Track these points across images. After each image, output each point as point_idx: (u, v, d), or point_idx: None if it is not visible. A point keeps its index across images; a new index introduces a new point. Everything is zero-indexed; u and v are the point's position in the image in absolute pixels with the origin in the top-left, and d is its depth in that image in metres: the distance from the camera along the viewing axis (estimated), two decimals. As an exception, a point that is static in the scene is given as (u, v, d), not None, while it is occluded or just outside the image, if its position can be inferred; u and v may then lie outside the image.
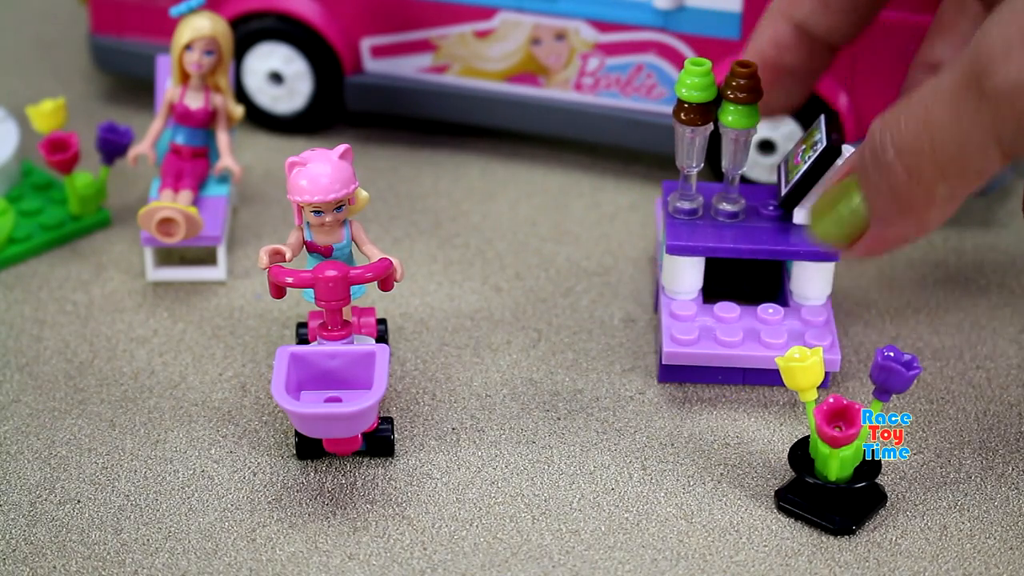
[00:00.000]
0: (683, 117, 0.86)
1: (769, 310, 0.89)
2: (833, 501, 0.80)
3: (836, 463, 0.78)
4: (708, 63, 0.86)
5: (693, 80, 0.86)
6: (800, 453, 0.81)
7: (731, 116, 0.86)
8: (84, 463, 0.84)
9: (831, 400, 0.78)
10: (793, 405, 0.88)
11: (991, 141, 0.71)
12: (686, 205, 0.90)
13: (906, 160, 0.73)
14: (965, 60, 0.71)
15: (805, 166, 0.87)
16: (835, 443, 0.77)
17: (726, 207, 0.89)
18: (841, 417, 0.78)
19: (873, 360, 0.78)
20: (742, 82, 0.85)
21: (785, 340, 0.87)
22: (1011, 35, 0.69)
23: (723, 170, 0.89)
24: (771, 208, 0.90)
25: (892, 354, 0.78)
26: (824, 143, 0.86)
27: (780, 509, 0.81)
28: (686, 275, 0.89)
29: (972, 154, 0.71)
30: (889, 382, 0.78)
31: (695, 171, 0.89)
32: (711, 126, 0.87)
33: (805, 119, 1.00)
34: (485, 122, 1.09)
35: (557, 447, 0.85)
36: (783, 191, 0.89)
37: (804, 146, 0.88)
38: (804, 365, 0.78)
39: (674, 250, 0.88)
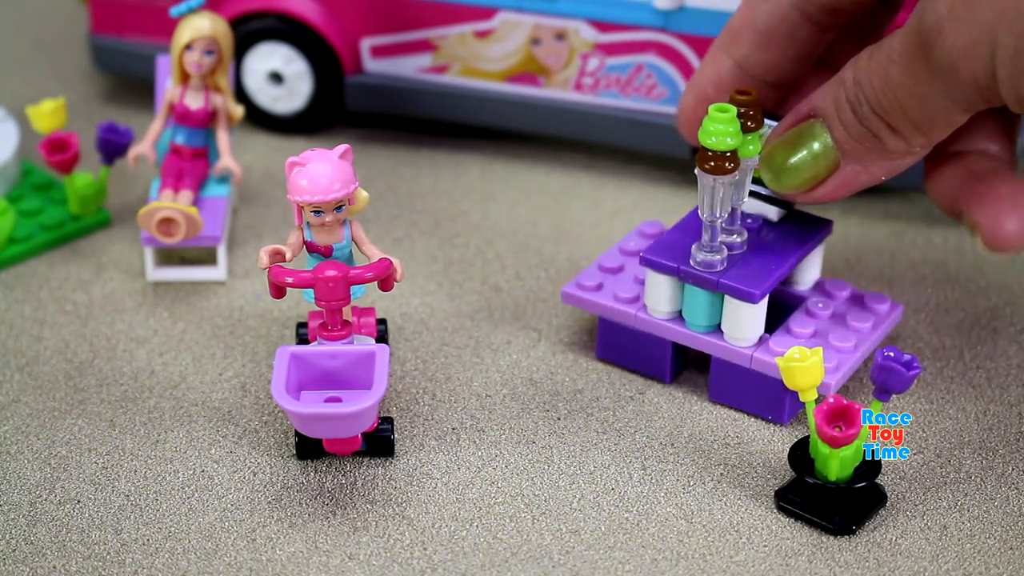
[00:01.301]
0: (708, 166, 0.82)
1: (819, 304, 0.89)
2: (833, 501, 0.80)
3: (836, 463, 0.78)
4: (733, 109, 0.81)
5: (718, 127, 0.80)
6: (800, 453, 0.81)
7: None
8: (84, 463, 0.84)
9: (831, 400, 0.78)
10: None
11: (949, 102, 0.74)
12: (710, 258, 0.85)
13: (885, 117, 0.77)
14: (910, 29, 0.74)
15: None
16: (835, 443, 0.77)
17: (736, 239, 0.86)
18: (841, 417, 0.78)
19: (873, 360, 0.78)
20: (748, 111, 0.82)
21: (860, 319, 0.88)
22: (940, 10, 0.72)
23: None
24: (749, 222, 0.89)
25: (892, 354, 0.78)
26: None
27: (780, 509, 0.81)
28: (756, 318, 0.85)
29: (937, 113, 0.75)
30: (889, 382, 0.78)
31: (720, 221, 0.84)
32: (737, 175, 0.83)
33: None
34: (485, 122, 1.09)
35: (557, 447, 0.85)
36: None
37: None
38: (804, 365, 0.78)
39: (758, 297, 0.84)
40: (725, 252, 0.85)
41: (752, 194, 0.87)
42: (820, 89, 0.81)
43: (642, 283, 0.90)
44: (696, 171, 0.83)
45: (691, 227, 0.88)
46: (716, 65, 0.86)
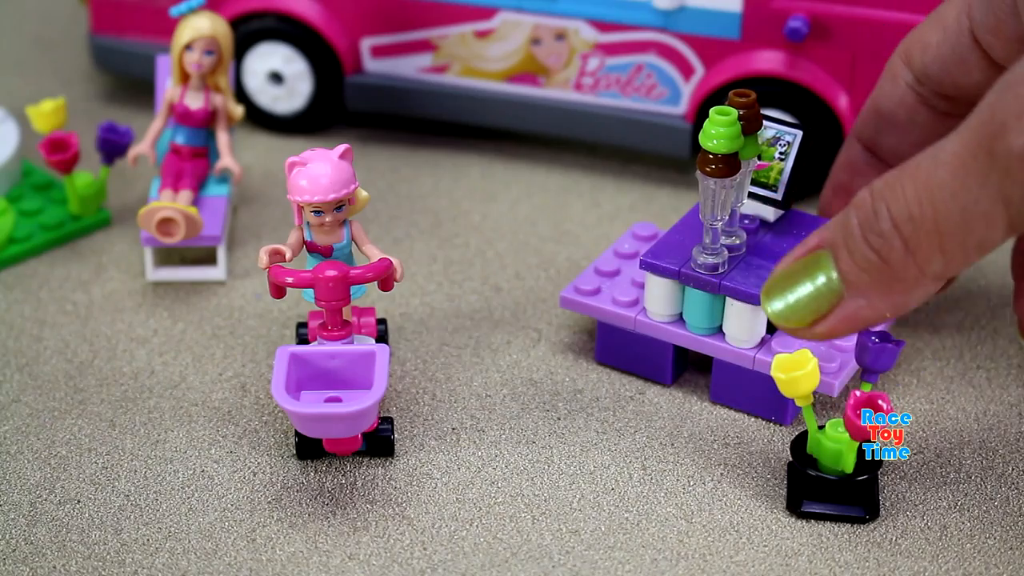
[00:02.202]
0: (709, 169, 0.81)
1: None
2: (845, 493, 0.80)
3: (853, 454, 0.78)
4: (734, 112, 0.81)
5: (719, 130, 0.80)
6: (800, 454, 0.81)
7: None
8: (84, 463, 0.84)
9: (857, 393, 0.77)
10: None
11: (998, 208, 0.68)
12: (711, 260, 0.85)
13: (904, 230, 0.70)
14: (973, 124, 0.68)
15: (789, 159, 0.86)
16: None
17: (735, 241, 0.86)
18: (868, 407, 0.77)
19: (857, 342, 0.80)
20: (748, 113, 0.81)
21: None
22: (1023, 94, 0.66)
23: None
24: (747, 223, 0.88)
25: (877, 339, 0.79)
26: (796, 132, 0.86)
27: (801, 517, 0.80)
28: (759, 319, 0.85)
29: (976, 223, 0.68)
30: (871, 361, 0.79)
31: (721, 223, 0.84)
32: (738, 177, 0.83)
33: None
34: (485, 122, 1.09)
35: (557, 447, 0.85)
36: (779, 193, 0.88)
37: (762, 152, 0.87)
38: (806, 372, 0.77)
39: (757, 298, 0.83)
40: (726, 254, 0.85)
41: (749, 195, 0.87)
42: (830, 220, 0.75)
43: (640, 286, 0.90)
44: (697, 174, 0.82)
45: (688, 228, 0.88)
46: (848, 149, 0.85)
